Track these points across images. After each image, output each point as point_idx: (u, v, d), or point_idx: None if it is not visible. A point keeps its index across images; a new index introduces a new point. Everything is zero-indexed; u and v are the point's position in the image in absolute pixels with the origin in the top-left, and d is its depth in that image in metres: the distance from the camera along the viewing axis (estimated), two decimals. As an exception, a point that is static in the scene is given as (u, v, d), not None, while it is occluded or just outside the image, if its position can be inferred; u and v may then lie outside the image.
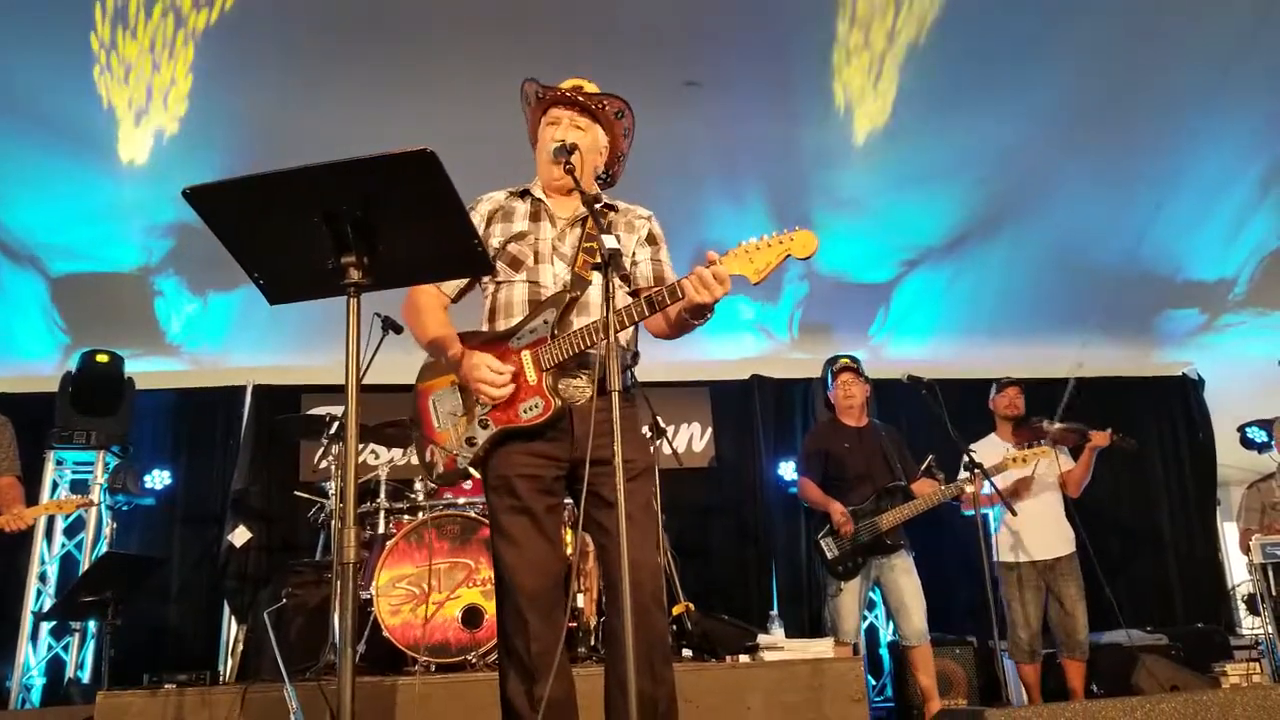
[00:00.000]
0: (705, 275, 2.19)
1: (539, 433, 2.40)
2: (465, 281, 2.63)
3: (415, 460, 5.60)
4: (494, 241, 2.55)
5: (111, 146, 5.37)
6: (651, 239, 2.63)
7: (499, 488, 2.44)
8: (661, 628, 2.39)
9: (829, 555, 4.67)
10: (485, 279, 2.59)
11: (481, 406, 2.45)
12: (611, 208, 2.65)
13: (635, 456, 2.40)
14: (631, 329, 2.54)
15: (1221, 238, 6.68)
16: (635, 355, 2.60)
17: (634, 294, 2.59)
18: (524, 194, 2.64)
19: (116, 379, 5.88)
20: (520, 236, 2.55)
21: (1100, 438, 5.03)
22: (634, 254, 2.59)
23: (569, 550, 3.68)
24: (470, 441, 2.46)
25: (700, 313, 2.28)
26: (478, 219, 2.60)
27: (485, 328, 2.56)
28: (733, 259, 2.23)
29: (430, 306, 2.58)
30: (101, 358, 5.85)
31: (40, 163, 5.42)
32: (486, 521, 4.09)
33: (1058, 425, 5.05)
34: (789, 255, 2.21)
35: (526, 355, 2.43)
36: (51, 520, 5.83)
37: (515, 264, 2.53)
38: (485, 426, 2.44)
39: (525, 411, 2.40)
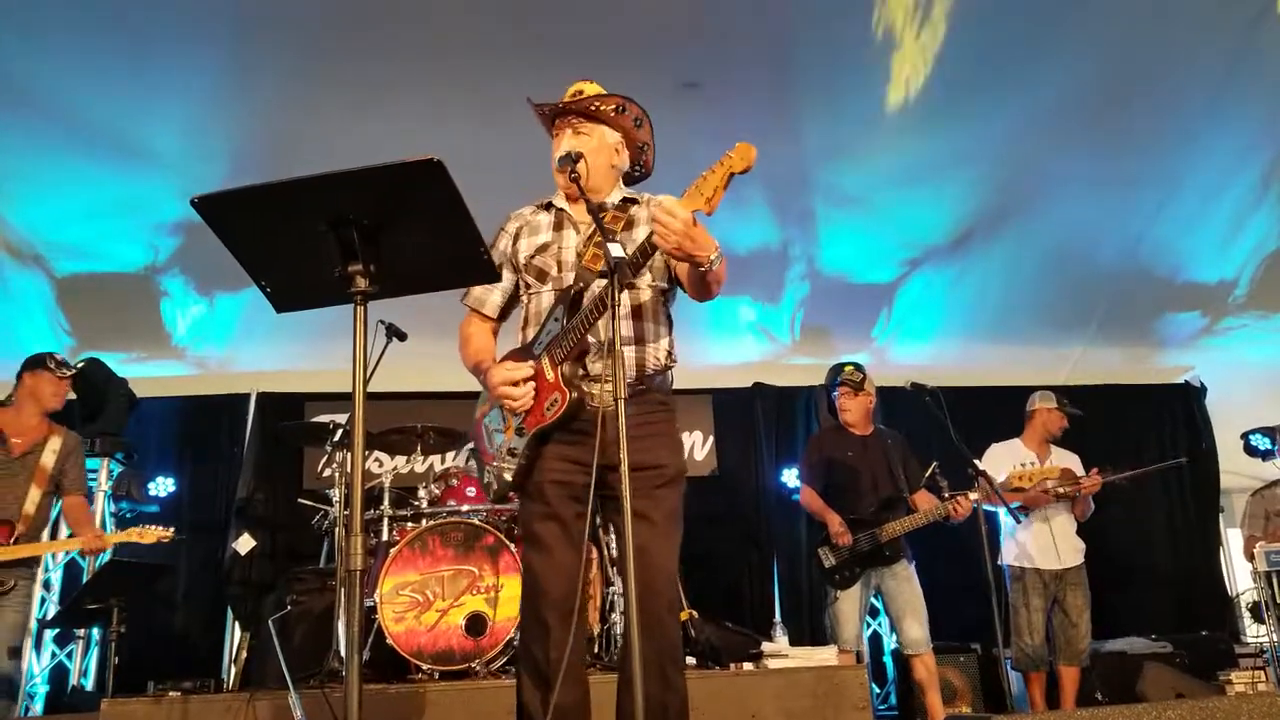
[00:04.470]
0: (657, 213, 2.18)
1: (568, 432, 2.42)
2: (505, 300, 2.70)
3: (419, 468, 5.65)
4: (521, 256, 2.62)
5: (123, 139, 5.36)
6: None
7: (531, 494, 2.50)
8: (674, 635, 2.39)
9: (826, 564, 4.67)
10: (522, 293, 2.65)
11: (516, 416, 2.50)
12: (634, 201, 2.66)
13: (667, 462, 2.43)
14: (666, 332, 2.55)
15: (1221, 238, 6.68)
16: (672, 356, 2.58)
17: (668, 288, 2.60)
18: (548, 206, 2.69)
19: (95, 383, 5.85)
20: (544, 248, 2.60)
21: (1090, 484, 4.95)
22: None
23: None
24: (512, 452, 2.51)
25: (694, 262, 2.25)
26: (506, 238, 2.68)
27: (519, 339, 2.63)
28: (685, 198, 2.21)
29: (473, 334, 2.69)
30: (77, 365, 5.84)
31: (47, 157, 5.40)
32: (490, 529, 4.14)
33: (1053, 484, 4.97)
34: (731, 173, 2.17)
35: (546, 357, 2.48)
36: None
37: (542, 276, 2.59)
38: (521, 434, 2.50)
39: (548, 409, 2.43)
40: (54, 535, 5.28)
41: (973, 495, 4.55)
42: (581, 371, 2.44)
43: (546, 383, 2.45)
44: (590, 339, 2.42)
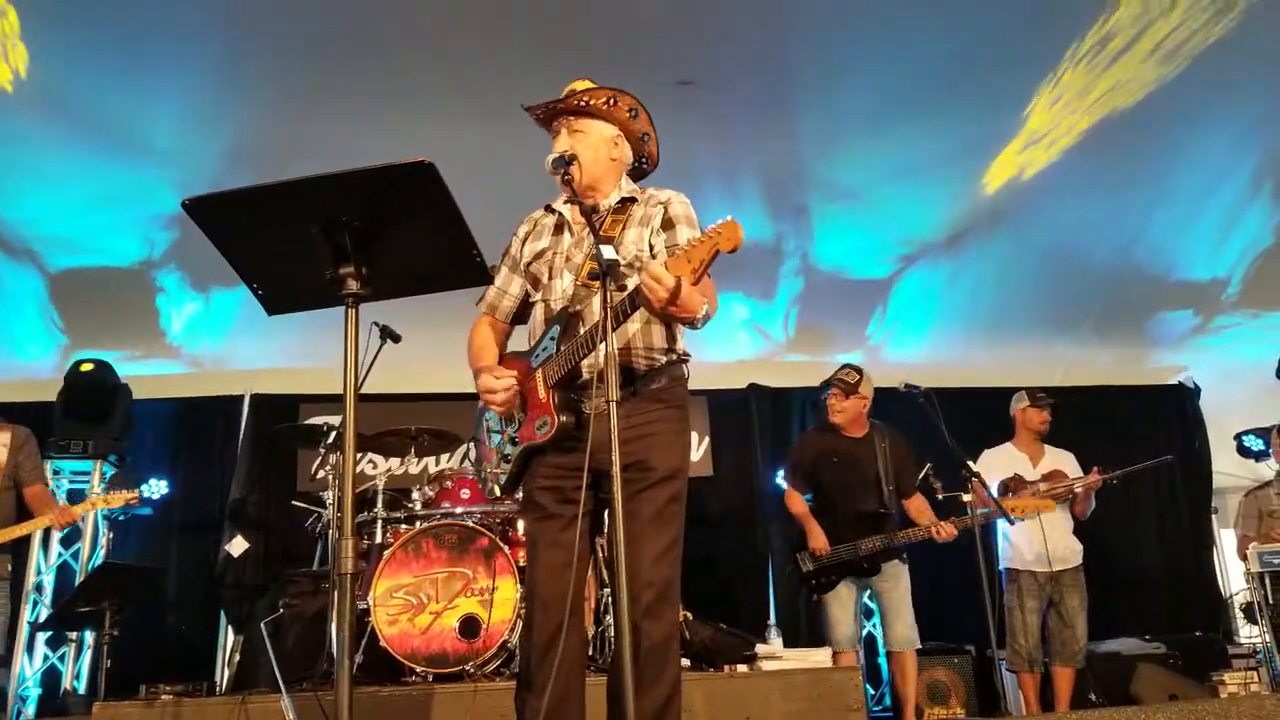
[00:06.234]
0: (645, 279, 2.18)
1: (557, 445, 2.44)
2: (517, 305, 2.70)
3: (413, 470, 5.64)
4: (523, 262, 2.65)
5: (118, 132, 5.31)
6: (667, 224, 2.55)
7: (525, 502, 2.54)
8: (653, 640, 2.30)
9: (804, 570, 4.66)
10: (530, 298, 2.66)
11: (511, 425, 2.52)
12: (632, 200, 2.62)
13: (656, 464, 2.38)
14: (660, 331, 2.50)
15: (1213, 236, 6.70)
16: (673, 353, 2.53)
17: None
18: (550, 208, 2.70)
19: (106, 385, 5.81)
20: (540, 254, 2.61)
21: (1090, 482, 4.99)
22: (650, 246, 2.53)
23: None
24: (506, 459, 2.55)
25: (680, 321, 2.34)
26: (516, 241, 2.70)
27: (528, 342, 2.64)
28: (673, 261, 2.19)
29: (476, 334, 2.70)
30: (86, 366, 5.77)
31: (41, 150, 5.35)
32: (484, 531, 4.13)
33: (1044, 485, 5.00)
34: (718, 250, 2.16)
35: (539, 374, 2.48)
36: (47, 529, 5.80)
37: (535, 283, 2.62)
38: (515, 444, 2.52)
39: (539, 429, 2.45)
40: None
41: (965, 496, 4.55)
42: (573, 396, 2.43)
43: (538, 400, 2.46)
44: (583, 365, 2.39)
